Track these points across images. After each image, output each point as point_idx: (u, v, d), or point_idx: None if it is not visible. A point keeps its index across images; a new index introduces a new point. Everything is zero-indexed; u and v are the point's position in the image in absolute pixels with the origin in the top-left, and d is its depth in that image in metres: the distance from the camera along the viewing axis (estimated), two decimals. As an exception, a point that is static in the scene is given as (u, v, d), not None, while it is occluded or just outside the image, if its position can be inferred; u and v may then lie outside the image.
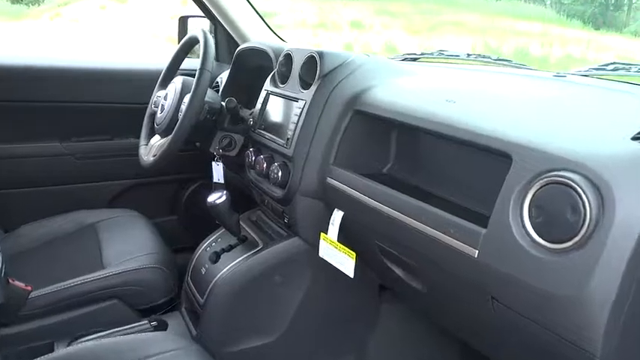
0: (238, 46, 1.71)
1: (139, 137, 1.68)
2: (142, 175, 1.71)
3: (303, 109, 1.04)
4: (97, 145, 1.69)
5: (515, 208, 0.65)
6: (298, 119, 1.04)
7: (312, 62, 1.08)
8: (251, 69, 1.62)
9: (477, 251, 0.69)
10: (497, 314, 0.71)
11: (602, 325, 0.57)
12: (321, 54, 1.06)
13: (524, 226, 0.64)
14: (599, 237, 0.57)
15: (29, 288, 1.07)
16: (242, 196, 1.40)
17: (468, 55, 1.43)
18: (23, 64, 1.59)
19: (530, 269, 0.63)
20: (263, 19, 1.75)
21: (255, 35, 1.73)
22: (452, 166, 0.90)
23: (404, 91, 0.99)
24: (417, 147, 0.99)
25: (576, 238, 0.58)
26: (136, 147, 1.57)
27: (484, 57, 1.38)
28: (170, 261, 1.32)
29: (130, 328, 1.13)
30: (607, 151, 0.61)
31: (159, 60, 1.78)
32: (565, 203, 0.60)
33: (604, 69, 1.03)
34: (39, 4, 14.91)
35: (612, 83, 0.98)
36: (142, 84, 1.67)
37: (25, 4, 15.04)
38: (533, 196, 0.64)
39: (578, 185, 0.59)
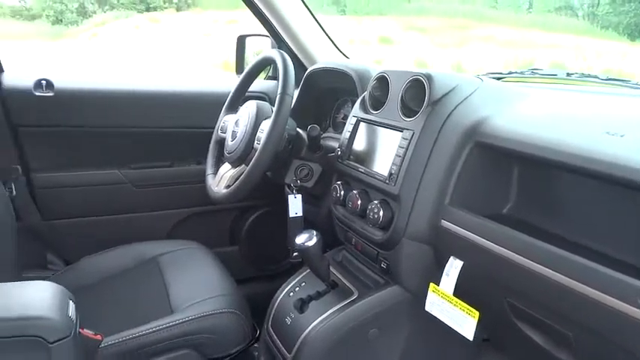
0: (303, 66, 1.60)
1: (199, 163, 1.57)
2: (202, 203, 1.60)
3: (410, 140, 0.90)
4: (156, 172, 1.58)
5: None
6: (405, 152, 0.90)
7: (417, 86, 0.94)
8: (319, 91, 1.50)
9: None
10: None
11: None
12: (429, 77, 0.92)
13: None
14: None
15: (99, 337, 0.95)
16: (317, 227, 1.26)
17: (568, 74, 1.27)
18: (78, 88, 1.50)
19: None
20: (330, 38, 1.63)
21: (321, 55, 1.61)
22: (611, 214, 0.74)
23: (536, 119, 0.84)
24: (547, 185, 0.84)
25: None
26: (197, 174, 1.46)
27: (590, 76, 1.22)
28: (244, 303, 1.19)
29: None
30: None
31: (220, 83, 1.68)
32: None
33: None
34: (77, 25, 15.38)
35: None
36: (203, 107, 1.57)
37: (65, 24, 15.54)
38: None
39: None
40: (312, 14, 1.59)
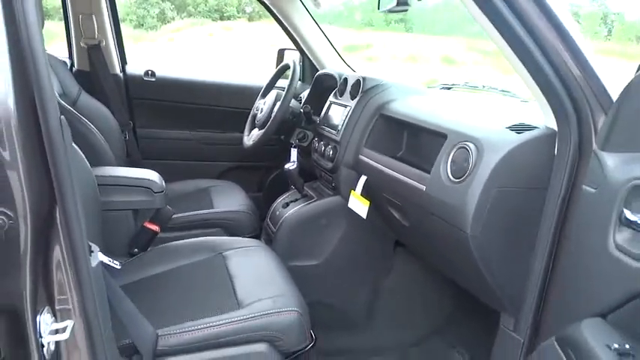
0: (318, 71, 2.44)
1: (242, 132, 2.45)
2: (242, 160, 2.47)
3: (349, 112, 1.72)
4: (213, 135, 2.50)
5: (444, 162, 1.26)
6: (346, 118, 1.72)
7: (358, 83, 1.76)
8: (324, 87, 2.32)
9: (425, 187, 1.30)
10: (433, 224, 1.31)
11: (470, 217, 1.15)
12: (364, 78, 1.74)
13: (446, 171, 1.25)
14: (474, 174, 1.16)
15: (174, 210, 1.81)
16: (308, 173, 2.08)
17: (484, 86, 2.03)
18: (171, 77, 2.43)
19: (446, 193, 1.23)
20: (337, 52, 2.47)
21: (330, 64, 2.45)
22: (424, 145, 1.50)
23: (411, 104, 1.63)
24: (416, 137, 1.61)
25: (465, 175, 1.18)
26: (239, 139, 2.32)
27: (491, 87, 1.97)
28: (255, 212, 2.04)
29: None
30: (490, 133, 1.21)
31: (260, 78, 2.56)
32: (464, 158, 1.20)
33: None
34: (156, 30, 17.10)
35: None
36: (247, 94, 2.44)
37: (145, 29, 17.30)
38: (453, 155, 1.25)
39: (471, 149, 1.19)
40: (326, 37, 2.44)
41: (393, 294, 1.88)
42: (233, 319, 1.19)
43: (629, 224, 0.85)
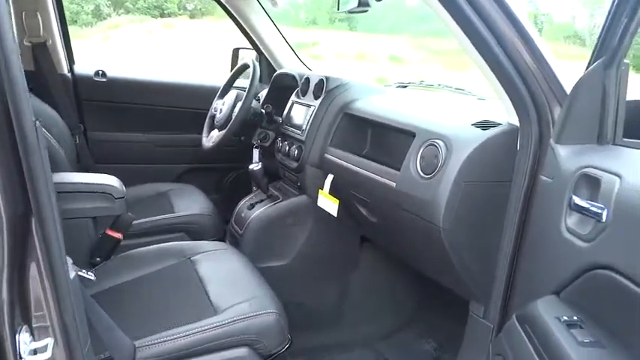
0: (275, 71, 2.44)
1: (199, 133, 2.41)
2: (199, 161, 2.44)
3: (313, 111, 1.74)
4: (169, 137, 2.44)
5: (413, 159, 1.31)
6: (310, 118, 1.74)
7: (321, 83, 1.78)
8: (283, 87, 2.33)
9: (395, 183, 1.34)
10: (404, 219, 1.35)
11: (442, 211, 1.20)
12: (327, 78, 1.76)
13: (416, 168, 1.30)
14: (444, 170, 1.22)
15: (134, 217, 1.77)
16: (270, 173, 2.09)
17: (439, 84, 2.10)
18: (122, 77, 2.36)
19: (417, 189, 1.28)
20: (294, 52, 2.48)
21: (287, 63, 2.46)
22: (391, 143, 1.55)
23: (374, 103, 1.67)
24: (382, 135, 1.66)
25: (435, 171, 1.24)
26: (197, 140, 2.29)
27: (446, 86, 2.05)
28: (218, 215, 2.02)
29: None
30: (458, 130, 1.27)
31: (216, 78, 2.53)
32: (434, 154, 1.25)
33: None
34: (91, 26, 16.39)
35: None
36: (203, 95, 2.40)
37: (79, 25, 16.54)
38: (422, 152, 1.30)
39: (440, 146, 1.25)
40: (283, 37, 2.45)
41: (360, 289, 1.92)
42: (211, 326, 1.19)
43: (578, 209, 0.95)
